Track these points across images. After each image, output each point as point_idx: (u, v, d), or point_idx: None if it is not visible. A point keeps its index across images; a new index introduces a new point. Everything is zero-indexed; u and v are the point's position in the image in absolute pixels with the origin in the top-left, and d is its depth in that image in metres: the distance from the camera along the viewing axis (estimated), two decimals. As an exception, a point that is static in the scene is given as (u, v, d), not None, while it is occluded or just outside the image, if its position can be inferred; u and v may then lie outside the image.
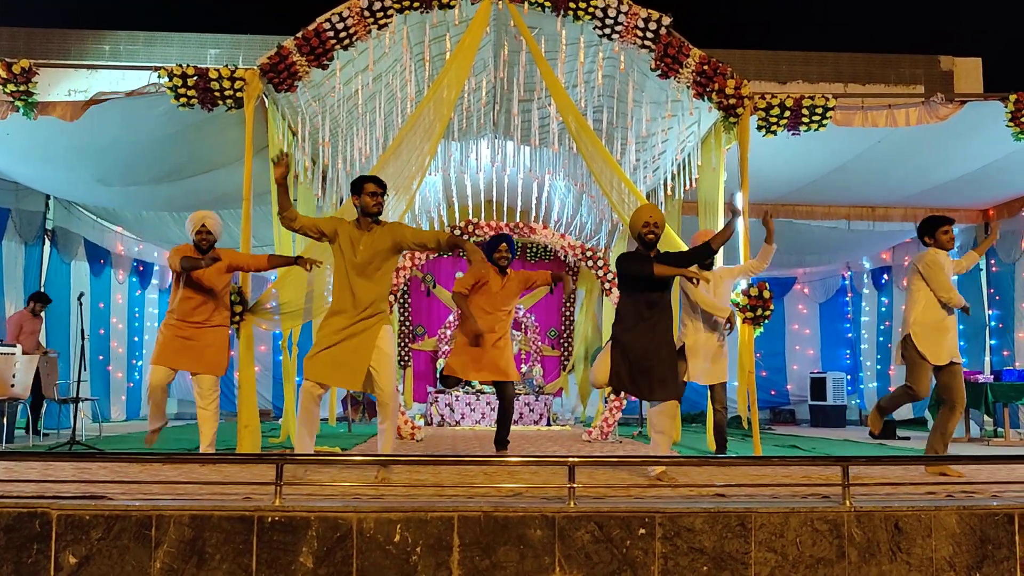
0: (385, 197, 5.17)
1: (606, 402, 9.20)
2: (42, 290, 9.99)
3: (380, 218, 5.19)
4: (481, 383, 6.88)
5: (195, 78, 6.77)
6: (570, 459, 4.01)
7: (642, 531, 3.74)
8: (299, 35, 6.92)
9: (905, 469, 5.34)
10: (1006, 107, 7.46)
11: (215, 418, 5.96)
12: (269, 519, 3.68)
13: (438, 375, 6.82)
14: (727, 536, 3.77)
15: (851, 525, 3.83)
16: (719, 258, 7.77)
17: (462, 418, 11.56)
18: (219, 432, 6.17)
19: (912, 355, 5.70)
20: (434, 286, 6.69)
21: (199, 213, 6.07)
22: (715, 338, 7.10)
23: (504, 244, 6.79)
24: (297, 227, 5.15)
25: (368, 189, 5.08)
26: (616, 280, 5.50)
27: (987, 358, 11.11)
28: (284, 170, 5.08)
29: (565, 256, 10.52)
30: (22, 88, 6.94)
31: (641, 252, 5.34)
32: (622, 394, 8.35)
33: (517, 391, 12.15)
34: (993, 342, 11.12)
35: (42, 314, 9.45)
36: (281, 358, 9.03)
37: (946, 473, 5.29)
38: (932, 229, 5.87)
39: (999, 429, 9.48)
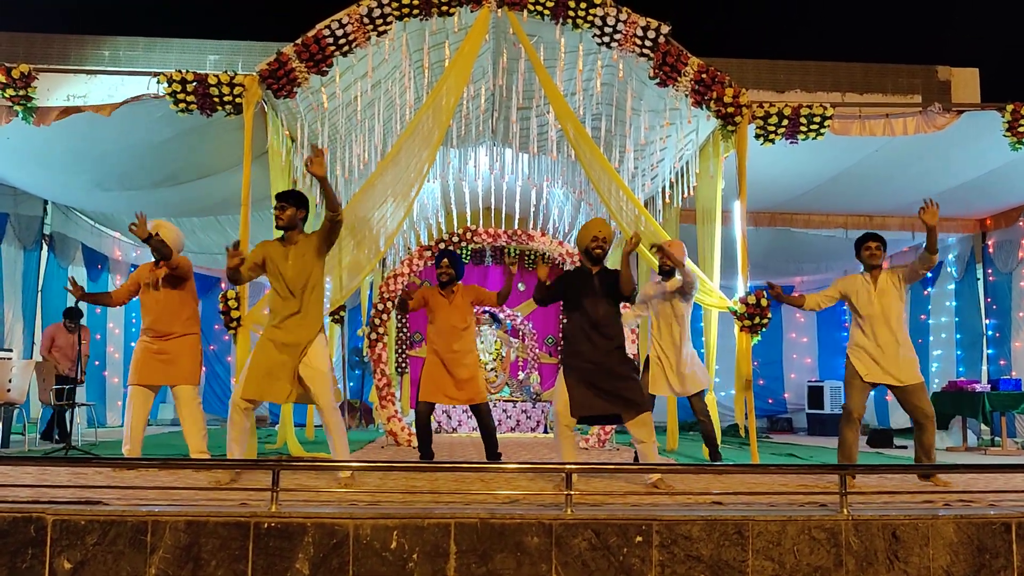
0: (291, 210, 5.13)
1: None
2: (69, 306, 9.63)
3: (293, 233, 5.17)
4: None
5: (194, 84, 6.78)
6: (567, 466, 4.00)
7: (639, 539, 3.73)
8: (299, 41, 6.94)
9: (903, 478, 5.33)
10: (1003, 117, 7.50)
11: (198, 425, 5.94)
12: (265, 525, 3.67)
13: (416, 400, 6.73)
14: (724, 544, 3.76)
15: (848, 533, 3.82)
16: (716, 268, 7.75)
17: (459, 425, 11.54)
18: (215, 438, 6.16)
19: (847, 373, 5.69)
20: (399, 304, 6.63)
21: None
22: (680, 349, 6.82)
23: (445, 260, 6.68)
24: (244, 277, 5.19)
25: (273, 204, 5.19)
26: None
27: (984, 367, 11.12)
28: (237, 261, 5.08)
29: (563, 263, 10.52)
30: (21, 93, 6.95)
31: (584, 268, 5.30)
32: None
33: (514, 398, 12.15)
34: (990, 351, 11.12)
35: (79, 327, 9.35)
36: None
37: (934, 481, 5.27)
38: (857, 248, 5.76)
39: (996, 438, 9.48)
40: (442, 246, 9.54)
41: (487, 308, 11.46)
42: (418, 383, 6.66)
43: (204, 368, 6.39)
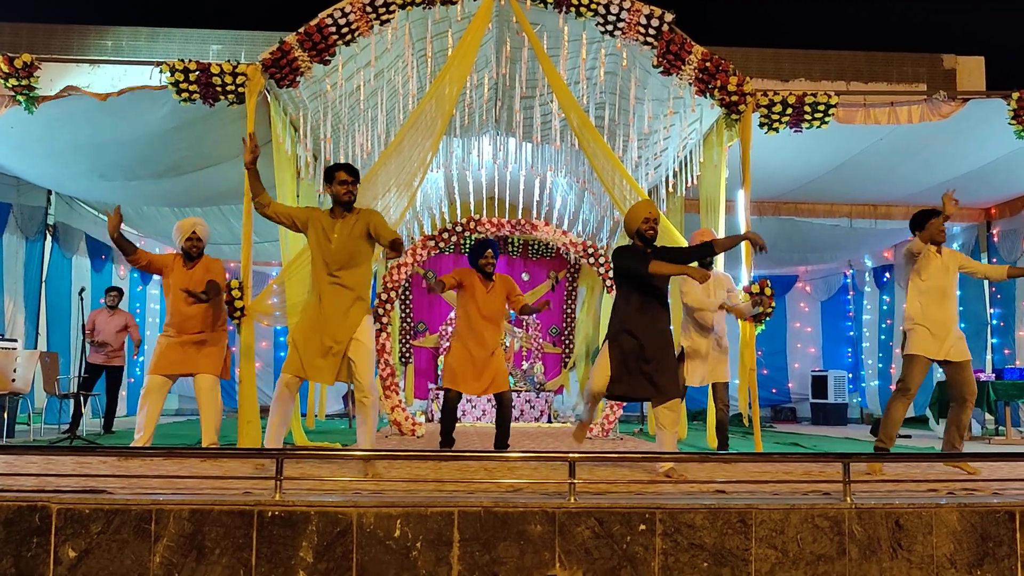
0: (357, 186, 5.16)
1: (606, 400, 9.19)
2: (114, 287, 9.83)
3: (356, 206, 5.18)
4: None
5: (197, 73, 6.76)
6: (571, 455, 4.00)
7: (642, 527, 3.74)
8: (301, 30, 6.91)
9: (906, 466, 5.32)
10: (1008, 105, 7.45)
11: (216, 416, 5.97)
12: (269, 514, 3.68)
13: (440, 382, 6.77)
14: (728, 532, 3.76)
15: (852, 522, 3.82)
16: (719, 260, 7.77)
17: (463, 415, 11.55)
18: (224, 429, 6.18)
19: (909, 349, 5.64)
20: (436, 282, 6.61)
21: (189, 220, 6.14)
22: (711, 341, 7.17)
23: (490, 250, 6.62)
24: (271, 213, 5.15)
25: (339, 178, 5.10)
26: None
27: (988, 356, 11.11)
28: (253, 155, 5.07)
29: (567, 253, 10.51)
30: (24, 83, 6.94)
31: (638, 248, 5.31)
32: None
33: (517, 388, 12.16)
34: (995, 340, 11.11)
35: (119, 307, 9.45)
36: (283, 354, 9.03)
37: (962, 468, 5.27)
38: (923, 221, 5.66)
39: (1000, 427, 9.47)
40: (446, 236, 9.51)
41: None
42: (431, 371, 6.71)
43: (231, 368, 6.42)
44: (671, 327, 5.37)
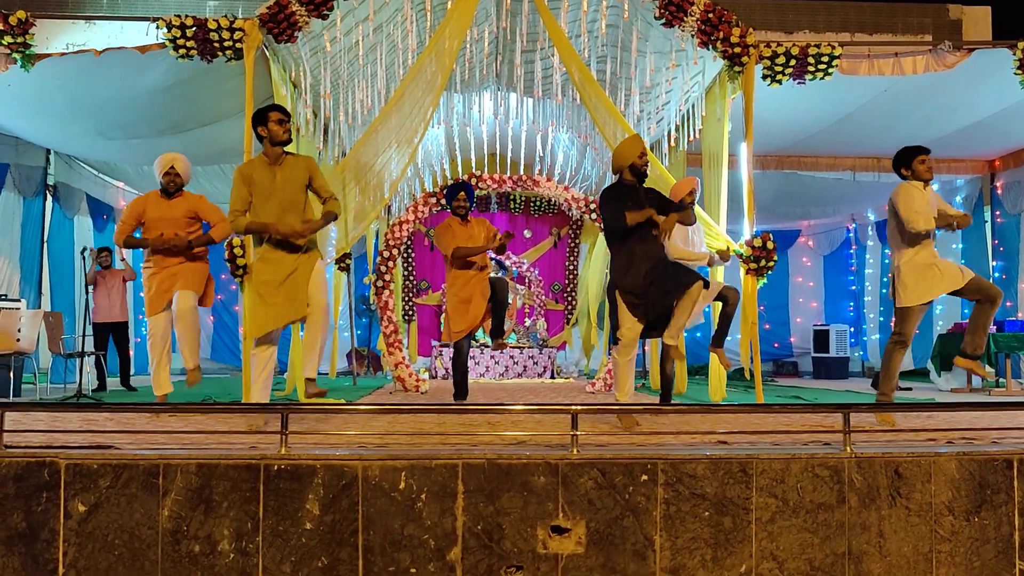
0: (290, 125, 5.16)
1: (608, 354, 9.23)
2: (104, 247, 9.91)
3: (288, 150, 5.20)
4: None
5: (194, 29, 6.70)
6: (573, 407, 4.03)
7: (644, 477, 3.78)
8: (298, -16, 6.83)
9: (906, 416, 5.36)
10: (1014, 54, 7.37)
11: (195, 336, 6.03)
12: (275, 467, 3.72)
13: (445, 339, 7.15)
14: (729, 482, 3.81)
15: (851, 471, 3.86)
16: (722, 212, 7.71)
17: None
18: (225, 386, 6.22)
19: (897, 296, 5.54)
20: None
21: (168, 155, 6.11)
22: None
23: (463, 192, 7.04)
24: (244, 225, 5.16)
25: (274, 117, 5.10)
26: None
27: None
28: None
29: (569, 209, 10.48)
30: (19, 40, 6.88)
31: (627, 184, 5.34)
32: None
33: (521, 344, 12.21)
34: (997, 293, 11.09)
35: (112, 266, 9.60)
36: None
37: (975, 371, 5.27)
38: (908, 159, 5.52)
39: (1001, 379, 9.52)
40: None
41: (493, 256, 11.46)
42: (434, 329, 6.90)
43: (218, 296, 6.48)
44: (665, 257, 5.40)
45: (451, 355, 11.64)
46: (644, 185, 5.43)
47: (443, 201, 9.50)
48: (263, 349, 5.17)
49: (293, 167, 5.15)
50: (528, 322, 13.12)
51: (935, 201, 5.55)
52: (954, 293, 5.53)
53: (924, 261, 5.43)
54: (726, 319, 6.59)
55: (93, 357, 8.91)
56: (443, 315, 6.94)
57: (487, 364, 11.85)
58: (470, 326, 6.95)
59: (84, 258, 7.53)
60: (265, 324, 5.09)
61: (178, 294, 6.00)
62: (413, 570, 3.67)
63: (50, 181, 10.73)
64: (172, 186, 6.15)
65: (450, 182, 9.76)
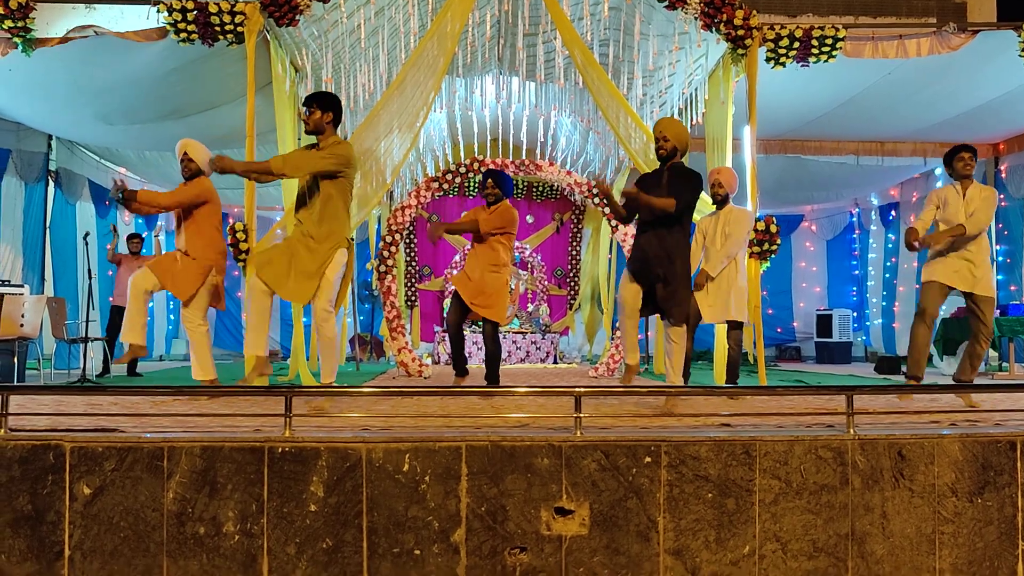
0: (317, 115, 5.11)
1: (612, 339, 9.24)
2: (135, 233, 10.03)
3: (323, 137, 5.16)
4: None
5: (195, 12, 6.68)
6: (576, 389, 4.03)
7: (648, 459, 3.78)
8: (299, -33, 6.80)
9: (909, 399, 5.36)
10: (1019, 36, 7.34)
11: (205, 342, 5.99)
12: (280, 450, 3.73)
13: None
14: (732, 464, 3.81)
15: (855, 453, 3.86)
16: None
17: (469, 356, 11.62)
18: (228, 371, 6.22)
19: (924, 276, 5.74)
20: (436, 225, 6.64)
21: (180, 142, 6.02)
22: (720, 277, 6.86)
23: (490, 180, 6.69)
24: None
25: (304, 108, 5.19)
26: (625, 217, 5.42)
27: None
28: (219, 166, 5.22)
29: (572, 194, 10.46)
30: (20, 24, 6.86)
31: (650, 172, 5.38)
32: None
33: (523, 330, 12.22)
34: (1000, 277, 11.09)
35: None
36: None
37: (965, 400, 5.31)
38: (950, 158, 5.78)
39: (1004, 363, 9.51)
40: (449, 177, 9.48)
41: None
42: (437, 314, 6.76)
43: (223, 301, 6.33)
44: (686, 252, 5.29)
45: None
46: (673, 168, 5.29)
47: (444, 186, 9.50)
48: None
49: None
50: (531, 307, 13.13)
51: (975, 202, 5.60)
52: (970, 303, 5.66)
53: (955, 251, 5.61)
54: (733, 367, 6.63)
55: (100, 342, 8.93)
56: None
57: (490, 349, 11.86)
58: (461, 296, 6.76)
59: (87, 244, 7.53)
60: (266, 273, 5.15)
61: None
62: (417, 552, 3.69)
63: (52, 167, 10.73)
64: (186, 172, 6.02)
65: (451, 166, 9.76)
